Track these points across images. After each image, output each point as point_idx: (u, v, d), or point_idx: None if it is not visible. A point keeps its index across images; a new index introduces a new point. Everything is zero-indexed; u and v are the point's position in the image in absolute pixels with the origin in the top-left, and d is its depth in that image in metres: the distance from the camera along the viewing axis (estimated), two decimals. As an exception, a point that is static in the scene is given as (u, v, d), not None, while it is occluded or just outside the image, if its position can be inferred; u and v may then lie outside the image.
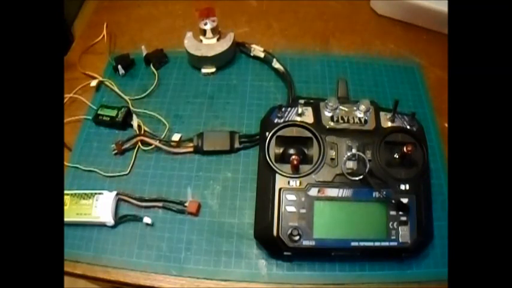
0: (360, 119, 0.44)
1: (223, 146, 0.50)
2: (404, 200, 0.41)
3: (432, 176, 0.46)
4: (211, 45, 0.57)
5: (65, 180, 0.48)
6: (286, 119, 0.44)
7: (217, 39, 0.58)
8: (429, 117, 0.54)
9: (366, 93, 0.55)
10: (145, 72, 0.59)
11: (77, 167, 0.50)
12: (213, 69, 0.58)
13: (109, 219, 0.44)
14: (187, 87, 0.57)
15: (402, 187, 0.42)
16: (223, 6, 0.64)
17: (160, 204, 0.46)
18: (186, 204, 0.46)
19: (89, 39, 0.63)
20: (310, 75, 0.58)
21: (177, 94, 0.56)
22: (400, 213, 0.41)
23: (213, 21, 0.58)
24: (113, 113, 0.53)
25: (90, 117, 0.54)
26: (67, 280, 0.37)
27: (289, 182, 0.41)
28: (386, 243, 0.40)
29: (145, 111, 0.54)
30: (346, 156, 0.41)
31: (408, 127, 0.44)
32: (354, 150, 0.42)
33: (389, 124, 0.44)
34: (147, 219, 0.45)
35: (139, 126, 0.52)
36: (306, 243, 0.40)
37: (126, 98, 0.55)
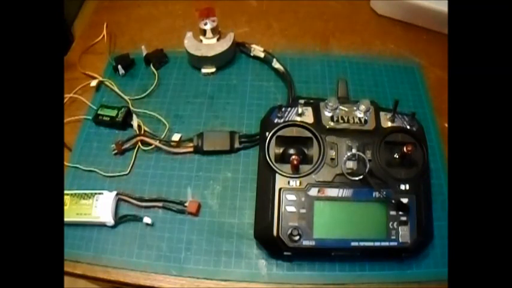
0: (360, 119, 0.44)
1: (223, 146, 0.50)
2: (404, 200, 0.41)
3: (432, 176, 0.46)
4: (211, 45, 0.57)
5: (65, 180, 0.48)
6: (286, 119, 0.44)
7: (217, 39, 0.58)
8: (429, 117, 0.54)
9: (366, 93, 0.55)
10: (145, 72, 0.59)
11: (77, 167, 0.50)
12: (213, 69, 0.58)
13: (109, 219, 0.44)
14: (187, 87, 0.57)
15: (402, 187, 0.42)
16: (223, 6, 0.64)
17: (160, 204, 0.46)
18: (186, 204, 0.46)
19: (89, 39, 0.63)
20: (310, 75, 0.58)
21: (177, 94, 0.56)
22: (400, 213, 0.41)
23: (213, 21, 0.58)
24: (113, 113, 0.53)
25: (90, 117, 0.54)
26: (67, 280, 0.37)
27: (289, 182, 0.41)
28: (386, 243, 0.40)
29: (145, 111, 0.54)
30: (346, 156, 0.41)
31: (408, 127, 0.44)
32: (354, 150, 0.42)
33: (389, 124, 0.44)
34: (147, 219, 0.45)
35: (139, 126, 0.52)
36: (306, 243, 0.40)
37: (126, 98, 0.55)
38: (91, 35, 0.64)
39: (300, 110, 0.44)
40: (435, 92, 0.56)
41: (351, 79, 0.57)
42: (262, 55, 0.59)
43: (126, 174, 0.49)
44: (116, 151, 0.50)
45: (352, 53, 0.61)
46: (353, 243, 0.40)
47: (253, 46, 0.59)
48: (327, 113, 0.44)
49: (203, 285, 0.42)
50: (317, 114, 0.44)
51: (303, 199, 0.41)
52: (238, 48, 0.61)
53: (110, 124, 0.53)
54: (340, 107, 0.45)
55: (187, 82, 0.58)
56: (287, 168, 0.42)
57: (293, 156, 0.41)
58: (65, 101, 0.56)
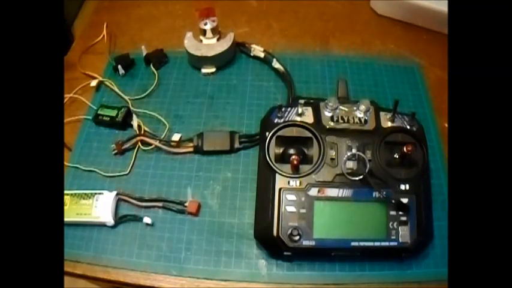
0: (360, 119, 0.44)
1: (223, 146, 0.50)
2: (404, 200, 0.41)
3: (432, 176, 0.46)
4: (211, 45, 0.57)
5: (65, 180, 0.48)
6: (286, 119, 0.44)
7: (217, 39, 0.58)
8: (429, 117, 0.54)
9: (366, 93, 0.55)
10: (145, 72, 0.59)
11: (77, 167, 0.50)
12: (213, 69, 0.58)
13: (109, 219, 0.44)
14: (187, 87, 0.57)
15: (402, 187, 0.42)
16: (223, 6, 0.64)
17: (160, 204, 0.46)
18: (186, 204, 0.46)
19: (89, 39, 0.63)
20: (310, 75, 0.58)
21: (177, 94, 0.56)
22: (400, 213, 0.41)
23: (213, 21, 0.58)
24: (113, 113, 0.53)
25: (90, 117, 0.54)
26: (67, 280, 0.37)
27: (289, 182, 0.41)
28: (386, 243, 0.40)
29: (145, 111, 0.54)
30: (346, 156, 0.41)
31: (408, 127, 0.44)
32: (354, 150, 0.42)
33: (389, 124, 0.44)
34: (147, 219, 0.45)
35: (139, 126, 0.52)
36: (306, 243, 0.40)
37: (126, 98, 0.55)
38: (91, 35, 0.64)
39: (300, 110, 0.44)
40: (435, 92, 0.56)
41: (351, 79, 0.57)
42: (262, 55, 0.59)
43: (126, 174, 0.49)
44: (116, 151, 0.50)
45: (352, 53, 0.61)
46: (353, 243, 0.40)
47: (253, 46, 0.59)
48: (327, 113, 0.44)
49: (203, 285, 0.42)
50: (317, 114, 0.44)
51: (303, 199, 0.41)
52: (238, 48, 0.61)
53: (110, 124, 0.53)
54: (340, 107, 0.45)
55: (187, 82, 0.58)
56: (287, 168, 0.42)
57: (293, 156, 0.41)
58: (65, 101, 0.56)
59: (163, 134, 0.52)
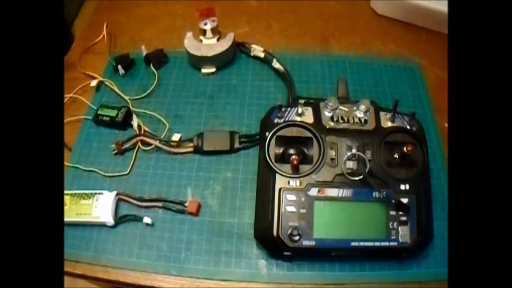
0: (360, 119, 0.44)
1: (223, 146, 0.50)
2: (404, 200, 0.41)
3: (432, 176, 0.46)
4: (211, 45, 0.57)
5: (65, 180, 0.48)
6: (286, 119, 0.44)
7: (217, 39, 0.58)
8: (429, 117, 0.54)
9: (366, 93, 0.55)
10: (145, 72, 0.59)
11: (77, 167, 0.50)
12: (213, 69, 0.58)
13: (109, 219, 0.44)
14: (187, 87, 0.57)
15: (402, 187, 0.42)
16: (223, 6, 0.64)
17: (160, 204, 0.46)
18: (186, 204, 0.46)
19: (89, 39, 0.63)
20: (310, 75, 0.58)
21: (177, 94, 0.57)
22: (400, 213, 0.41)
23: (213, 21, 0.58)
24: (113, 113, 0.53)
25: (90, 117, 0.54)
26: (67, 280, 0.37)
27: (289, 182, 0.41)
28: (386, 243, 0.40)
29: (145, 111, 0.54)
30: (346, 156, 0.41)
31: (408, 127, 0.44)
32: (354, 150, 0.42)
33: (389, 124, 0.44)
34: (147, 219, 0.45)
35: (139, 126, 0.52)
36: (306, 243, 0.40)
37: (126, 98, 0.55)
38: (91, 35, 0.64)
39: (300, 110, 0.44)
40: (435, 92, 0.56)
41: (351, 79, 0.57)
42: (262, 55, 0.59)
43: (126, 174, 0.49)
44: (116, 151, 0.50)
45: (352, 53, 0.61)
46: (353, 243, 0.40)
47: (253, 46, 0.59)
48: (327, 113, 0.44)
49: (203, 285, 0.42)
50: (317, 114, 0.44)
51: (303, 199, 0.41)
52: (238, 48, 0.61)
53: (110, 124, 0.53)
54: (340, 107, 0.45)
55: (187, 82, 0.58)
56: (287, 168, 0.42)
57: (293, 156, 0.41)
58: (65, 101, 0.56)
59: (163, 134, 0.52)
